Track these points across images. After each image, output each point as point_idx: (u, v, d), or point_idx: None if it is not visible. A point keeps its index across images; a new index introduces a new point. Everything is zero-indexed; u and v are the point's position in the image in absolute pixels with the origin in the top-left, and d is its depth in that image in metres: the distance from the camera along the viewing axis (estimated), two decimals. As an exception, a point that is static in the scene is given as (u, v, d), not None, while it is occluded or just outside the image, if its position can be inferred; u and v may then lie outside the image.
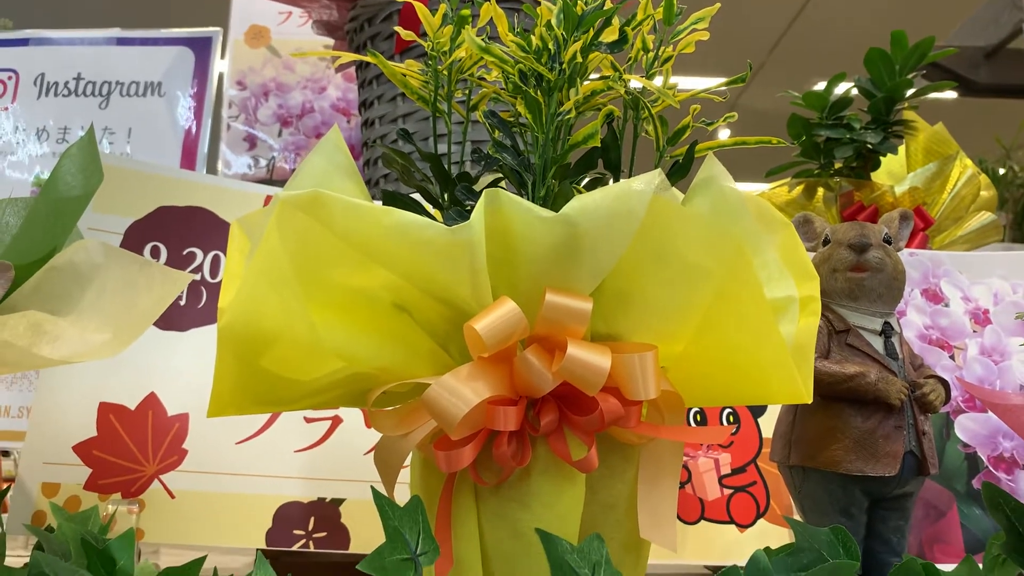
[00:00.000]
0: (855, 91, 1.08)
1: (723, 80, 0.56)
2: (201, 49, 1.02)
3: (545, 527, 0.45)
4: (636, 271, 0.47)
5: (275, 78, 1.29)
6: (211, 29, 1.03)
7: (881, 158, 1.06)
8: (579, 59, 0.48)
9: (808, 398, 0.48)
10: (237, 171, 1.27)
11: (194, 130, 1.00)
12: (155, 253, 0.80)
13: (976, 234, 1.08)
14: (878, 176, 1.08)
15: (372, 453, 0.76)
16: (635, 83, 0.54)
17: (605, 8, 0.49)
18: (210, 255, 0.81)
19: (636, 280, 0.47)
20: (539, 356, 0.45)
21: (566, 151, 0.50)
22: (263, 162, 1.28)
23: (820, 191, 1.06)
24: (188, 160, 1.00)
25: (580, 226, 0.44)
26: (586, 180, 0.57)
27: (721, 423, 0.82)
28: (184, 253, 0.81)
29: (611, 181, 0.56)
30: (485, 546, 0.48)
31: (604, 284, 0.47)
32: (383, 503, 0.43)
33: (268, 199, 0.84)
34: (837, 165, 1.05)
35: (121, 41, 1.03)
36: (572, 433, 0.47)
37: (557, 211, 0.50)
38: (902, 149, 1.11)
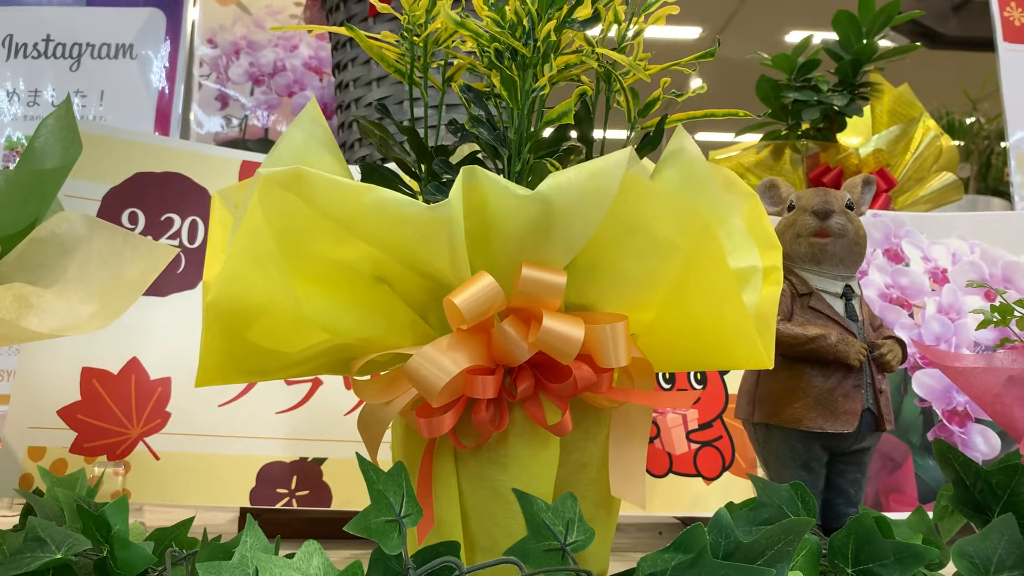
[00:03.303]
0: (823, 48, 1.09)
1: (693, 55, 0.57)
2: (172, 10, 1.01)
3: (522, 487, 0.47)
4: (608, 245, 0.49)
5: (246, 36, 1.28)
6: (181, -11, 1.02)
7: (847, 119, 1.08)
8: (552, 37, 0.50)
9: (770, 364, 0.50)
10: (209, 130, 1.27)
11: (167, 92, 1.00)
12: (133, 219, 0.81)
13: (937, 194, 1.11)
14: (845, 135, 1.11)
15: (352, 414, 0.79)
16: (607, 56, 0.55)
17: (578, -12, 0.50)
18: (188, 220, 0.82)
19: (608, 253, 0.49)
20: (516, 327, 0.48)
21: (541, 127, 0.52)
22: (235, 121, 1.28)
23: (788, 152, 1.08)
24: (162, 122, 0.99)
25: (555, 204, 0.45)
26: (562, 148, 0.58)
27: (689, 381, 0.85)
28: (162, 219, 0.81)
29: (584, 153, 0.58)
30: (465, 506, 0.50)
31: (577, 257, 0.49)
32: (368, 468, 0.45)
33: (244, 164, 0.85)
34: (805, 126, 1.07)
35: (90, 1, 1.01)
36: (547, 399, 0.50)
37: (532, 184, 0.52)
38: (868, 110, 1.13)
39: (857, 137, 1.16)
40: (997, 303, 0.54)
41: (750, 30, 5.74)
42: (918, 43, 1.03)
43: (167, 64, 1.00)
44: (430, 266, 0.48)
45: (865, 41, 1.03)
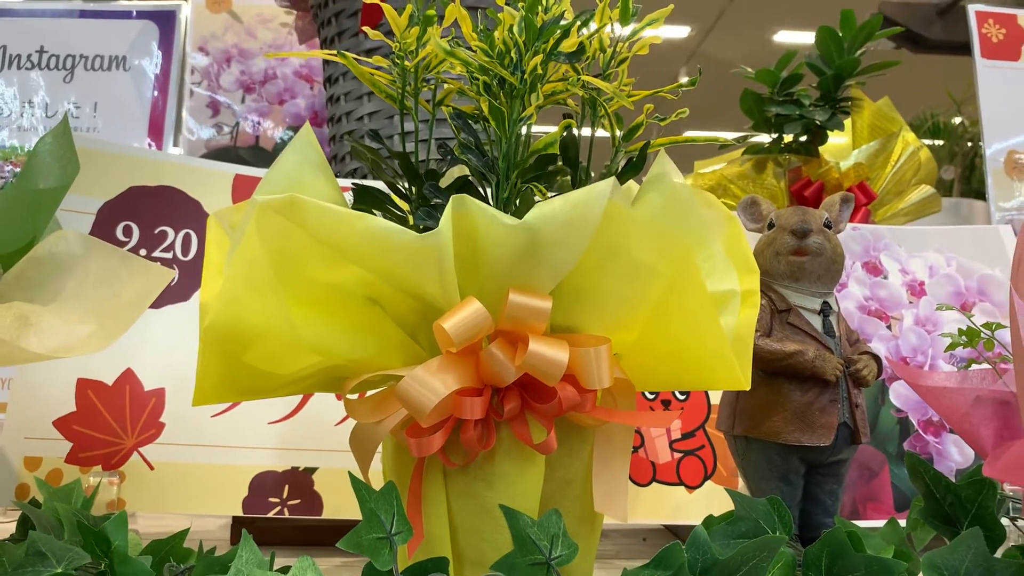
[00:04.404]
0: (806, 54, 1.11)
1: (675, 84, 0.59)
2: (164, 23, 1.02)
3: (508, 503, 0.49)
4: (592, 270, 0.51)
5: (237, 44, 1.29)
6: (174, 2, 1.03)
7: (828, 133, 1.10)
8: (539, 71, 0.52)
9: (746, 385, 0.52)
10: (201, 137, 1.28)
11: (160, 103, 1.01)
12: (127, 232, 0.82)
13: (916, 206, 1.13)
14: (826, 148, 1.13)
15: (343, 424, 0.80)
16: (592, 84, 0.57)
17: (563, 23, 0.52)
18: (181, 233, 0.84)
19: (592, 278, 0.51)
20: (503, 350, 0.49)
21: (527, 156, 0.53)
22: (227, 128, 1.29)
23: (770, 165, 1.10)
24: (155, 132, 1.01)
25: (541, 232, 0.47)
26: (549, 169, 0.60)
27: (673, 392, 0.87)
28: (156, 232, 0.83)
29: (570, 177, 0.59)
30: (453, 522, 0.52)
31: (563, 281, 0.51)
32: (360, 487, 0.47)
33: (237, 178, 0.86)
34: (787, 139, 1.10)
35: (84, 14, 1.03)
36: (533, 418, 0.52)
37: (519, 209, 0.54)
38: (849, 123, 1.15)
39: (845, 136, 1.18)
40: (964, 327, 0.56)
41: (738, 29, 5.78)
42: (898, 60, 1.05)
43: (160, 76, 1.01)
44: (420, 290, 0.50)
45: (847, 56, 1.05)
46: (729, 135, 1.21)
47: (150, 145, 1.01)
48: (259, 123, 1.30)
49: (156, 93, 1.01)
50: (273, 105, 1.31)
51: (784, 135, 1.09)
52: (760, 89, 1.12)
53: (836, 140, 1.17)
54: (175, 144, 1.17)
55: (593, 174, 0.60)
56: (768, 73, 1.08)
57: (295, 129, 1.31)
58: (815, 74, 1.08)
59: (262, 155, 1.30)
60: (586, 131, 0.60)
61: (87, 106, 1.00)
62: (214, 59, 1.29)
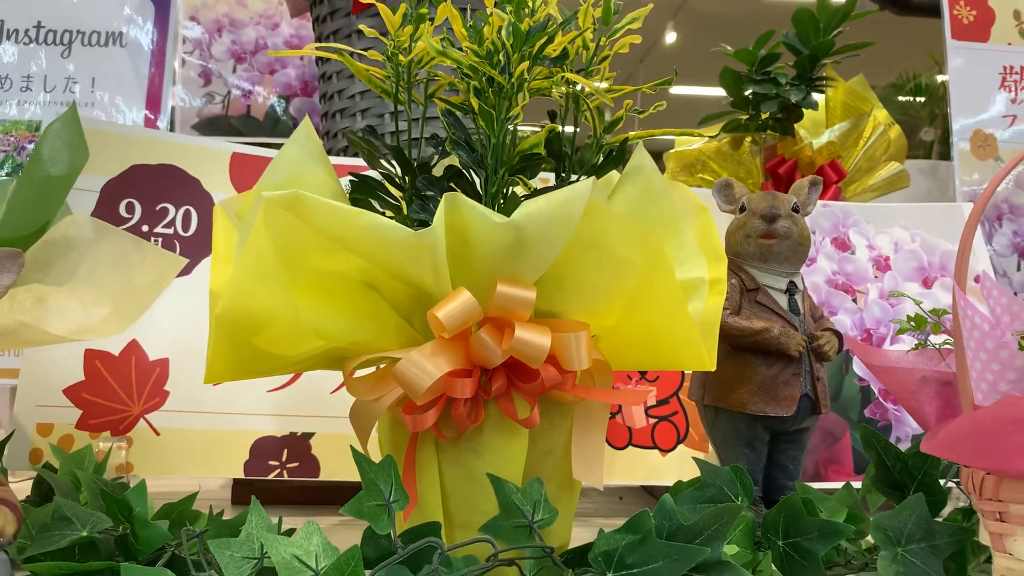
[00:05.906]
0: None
1: (657, 81, 0.63)
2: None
3: (495, 472, 0.55)
4: (573, 261, 0.55)
5: (228, 14, 1.31)
6: (168, -21, 1.05)
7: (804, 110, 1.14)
8: (526, 76, 0.55)
9: (712, 367, 0.57)
10: (193, 106, 1.31)
11: (157, 79, 1.04)
12: (130, 209, 0.85)
13: (885, 183, 1.18)
14: (802, 124, 1.17)
15: (338, 392, 0.85)
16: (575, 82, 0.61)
17: (548, 28, 0.55)
18: (182, 210, 0.87)
19: (573, 268, 0.55)
20: (491, 335, 0.54)
21: (514, 156, 0.57)
22: (218, 98, 1.32)
23: (747, 143, 1.14)
24: (152, 107, 1.04)
25: (526, 229, 0.51)
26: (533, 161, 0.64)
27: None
28: (157, 208, 0.86)
29: (555, 170, 0.63)
30: (445, 488, 0.57)
31: (546, 272, 0.55)
32: (361, 460, 0.52)
33: (234, 156, 0.90)
34: (764, 116, 1.14)
35: (80, -12, 1.05)
36: (518, 396, 0.56)
37: (505, 204, 0.58)
38: (823, 101, 1.19)
39: (814, 124, 1.22)
40: (913, 313, 0.61)
41: (725, -16, 5.75)
42: (872, 40, 1.09)
43: (156, 51, 1.04)
44: (415, 279, 0.54)
45: (823, 37, 1.09)
46: (712, 91, 1.24)
47: (148, 119, 1.04)
48: (250, 92, 1.33)
49: (153, 69, 1.04)
50: (264, 75, 1.33)
51: (761, 113, 1.13)
52: (739, 67, 1.15)
53: (819, 98, 1.20)
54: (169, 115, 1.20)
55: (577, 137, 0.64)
56: (747, 52, 1.12)
57: (286, 98, 1.34)
58: (792, 53, 1.12)
59: (253, 124, 1.33)
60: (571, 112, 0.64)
61: (85, 81, 1.03)
62: (205, 29, 1.31)
